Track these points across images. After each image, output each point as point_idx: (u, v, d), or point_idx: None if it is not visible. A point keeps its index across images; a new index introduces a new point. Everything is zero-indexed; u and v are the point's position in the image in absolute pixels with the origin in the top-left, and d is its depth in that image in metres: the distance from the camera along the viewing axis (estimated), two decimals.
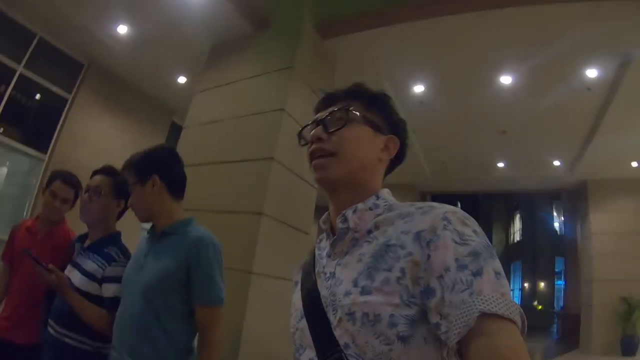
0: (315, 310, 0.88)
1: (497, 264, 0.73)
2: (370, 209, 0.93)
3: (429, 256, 0.75)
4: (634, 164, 9.46)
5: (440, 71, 6.36)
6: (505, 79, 6.34)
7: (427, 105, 7.10)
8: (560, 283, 23.03)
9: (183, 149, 5.10)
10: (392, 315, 0.74)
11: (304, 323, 0.90)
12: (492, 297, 0.67)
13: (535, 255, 26.62)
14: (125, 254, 2.03)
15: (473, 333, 0.66)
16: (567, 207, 13.62)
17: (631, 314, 9.34)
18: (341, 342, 0.79)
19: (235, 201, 4.30)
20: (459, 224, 0.79)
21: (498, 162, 10.27)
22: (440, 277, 0.73)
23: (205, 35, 5.62)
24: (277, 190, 4.31)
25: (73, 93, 7.23)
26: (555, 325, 18.81)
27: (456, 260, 0.73)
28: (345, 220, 0.92)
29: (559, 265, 23.67)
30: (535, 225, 27.16)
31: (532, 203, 26.86)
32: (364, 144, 0.97)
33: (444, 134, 8.42)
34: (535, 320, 21.20)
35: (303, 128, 1.05)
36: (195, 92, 5.72)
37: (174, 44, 6.21)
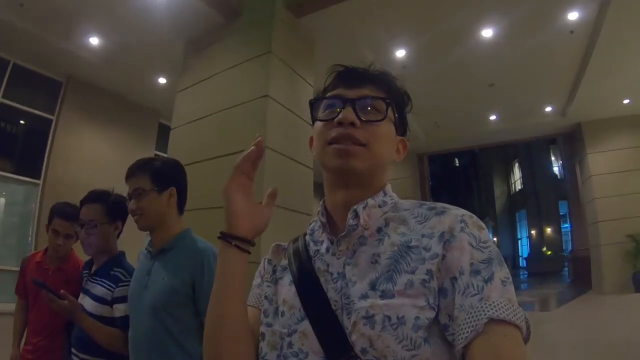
0: (324, 313, 0.82)
1: (506, 272, 0.73)
2: (379, 206, 0.89)
3: (444, 256, 0.75)
4: (626, 101, 9.47)
5: (420, 33, 6.29)
6: (487, 32, 6.32)
7: (411, 69, 7.06)
8: (566, 227, 23.23)
9: (173, 149, 5.08)
10: (417, 318, 0.72)
11: (306, 326, 0.83)
12: (500, 302, 0.68)
13: (539, 201, 26.78)
14: (131, 273, 2.01)
15: (479, 337, 0.66)
16: (564, 151, 13.64)
17: (639, 250, 9.43)
18: (357, 347, 0.75)
19: None
20: (475, 228, 0.78)
21: (490, 115, 10.30)
22: (454, 278, 0.72)
23: (178, 32, 5.57)
24: (272, 176, 4.29)
25: (56, 112, 7.16)
26: (566, 269, 18.99)
27: (471, 264, 0.73)
28: (356, 216, 0.86)
29: (562, 209, 23.88)
30: (535, 173, 27.29)
31: (529, 151, 26.96)
32: (390, 143, 0.91)
33: (432, 95, 8.33)
34: (547, 266, 21.49)
35: (318, 99, 0.94)
36: (177, 91, 5.67)
37: (148, 46, 6.15)
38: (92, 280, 2.04)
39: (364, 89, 0.90)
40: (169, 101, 6.00)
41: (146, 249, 1.87)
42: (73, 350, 1.97)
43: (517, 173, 30.41)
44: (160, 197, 1.81)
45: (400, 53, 6.73)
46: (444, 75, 7.66)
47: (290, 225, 4.44)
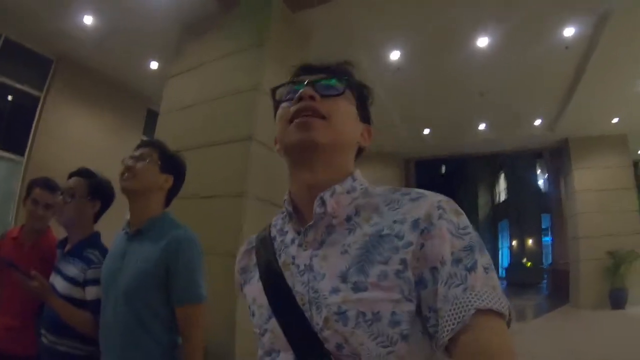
0: (288, 309, 0.79)
1: (487, 259, 0.71)
2: (348, 192, 0.85)
3: (422, 245, 0.72)
4: (614, 120, 9.58)
5: (416, 36, 6.27)
6: (483, 41, 6.30)
7: (404, 72, 7.05)
8: (547, 240, 23.49)
9: (161, 136, 5.00)
10: (393, 313, 0.69)
11: (274, 324, 0.80)
12: (485, 291, 0.66)
13: (521, 213, 27.01)
14: (105, 255, 1.97)
15: (465, 329, 0.64)
16: (550, 165, 13.81)
17: (618, 268, 9.58)
18: (331, 343, 0.72)
19: (218, 185, 4.25)
20: (453, 213, 0.75)
21: (479, 124, 10.30)
22: (434, 268, 0.70)
23: (173, 17, 5.49)
24: (258, 169, 4.27)
25: (45, 90, 7.05)
26: (544, 282, 19.23)
27: (452, 253, 0.70)
28: (322, 204, 0.81)
29: (545, 223, 24.10)
30: (520, 184, 27.52)
31: (515, 163, 27.19)
32: (352, 121, 0.90)
33: (423, 99, 8.37)
34: (526, 277, 21.72)
35: (280, 86, 0.95)
36: (168, 77, 5.61)
37: (142, 30, 6.06)
38: (65, 260, 2.01)
39: (323, 74, 0.91)
40: (159, 87, 5.90)
41: (123, 229, 1.83)
42: (42, 330, 1.93)
43: (502, 184, 30.68)
44: (159, 175, 1.82)
45: (395, 55, 6.71)
46: (436, 80, 7.66)
47: (269, 218, 4.41)
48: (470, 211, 33.02)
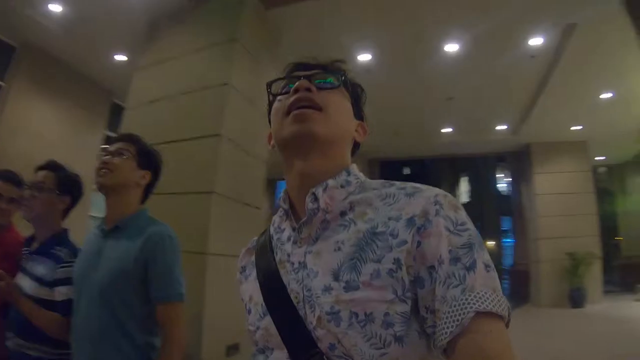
0: (283, 307, 0.77)
1: (487, 256, 0.70)
2: (342, 186, 0.83)
3: (419, 243, 0.70)
4: (575, 127, 9.93)
5: (386, 40, 6.31)
6: (452, 47, 6.40)
7: (374, 74, 7.08)
8: (506, 241, 24.06)
9: (126, 131, 4.86)
10: (386, 314, 0.67)
11: (268, 321, 0.79)
12: (485, 293, 0.64)
13: (483, 215, 27.58)
14: (75, 253, 1.88)
15: (463, 332, 0.63)
16: (512, 169, 14.16)
17: (577, 268, 9.94)
18: (324, 343, 0.71)
19: (185, 182, 4.16)
20: (451, 209, 0.73)
21: (445, 128, 10.49)
22: (432, 267, 0.68)
23: (143, 9, 5.36)
24: (226, 167, 4.23)
25: (6, 79, 6.75)
26: (505, 282, 19.68)
27: (450, 251, 0.68)
28: (315, 199, 0.80)
29: (505, 225, 24.70)
30: (482, 187, 28.12)
31: (478, 166, 27.74)
32: (347, 115, 0.90)
33: (391, 102, 8.39)
34: None
35: (275, 80, 0.94)
36: (135, 70, 5.47)
37: (110, 21, 5.86)
38: (32, 259, 1.89)
39: (318, 69, 0.92)
40: (126, 80, 5.74)
41: (97, 227, 1.76)
42: (8, 334, 1.81)
43: (464, 186, 31.25)
44: (136, 171, 1.78)
45: (366, 57, 6.75)
46: (405, 83, 7.74)
47: (240, 217, 4.39)
48: None
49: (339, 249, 0.75)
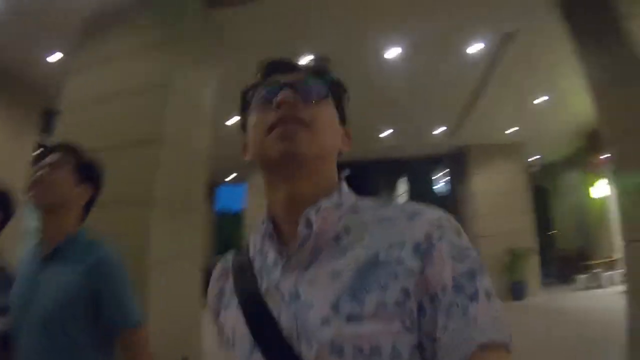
0: (274, 342, 0.69)
1: (488, 281, 0.67)
2: (336, 206, 0.76)
3: (422, 269, 0.66)
4: (511, 130, 10.42)
5: (329, 43, 6.29)
6: (395, 50, 6.52)
7: None
8: None
9: (60, 137, 4.55)
10: (394, 347, 0.63)
11: (259, 358, 0.71)
12: (487, 323, 0.62)
13: None
14: (11, 279, 1.66)
15: None
16: (451, 170, 14.64)
17: (516, 263, 10.49)
18: None
19: (123, 189, 3.75)
20: (454, 234, 0.70)
21: (385, 130, 10.68)
22: (435, 295, 0.64)
23: (81, 6, 5.03)
24: (165, 172, 4.01)
25: None
26: None
27: (453, 278, 0.65)
28: (309, 224, 0.73)
29: None
30: (420, 188, 28.84)
31: (416, 167, 28.45)
32: (335, 127, 0.83)
33: None
34: None
35: (251, 87, 0.85)
36: (70, 71, 5.12)
37: (46, 17, 5.46)
38: None
39: (300, 73, 0.83)
40: (59, 82, 5.35)
41: (33, 250, 1.58)
42: None
43: (404, 187, 31.98)
44: (75, 186, 1.58)
45: (309, 59, 6.71)
46: (347, 84, 7.74)
47: (182, 224, 4.19)
48: None
49: (337, 277, 0.69)
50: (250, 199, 12.59)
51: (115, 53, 4.71)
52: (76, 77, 4.97)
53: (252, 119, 0.80)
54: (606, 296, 9.17)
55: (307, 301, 0.69)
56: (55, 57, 6.54)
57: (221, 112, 5.42)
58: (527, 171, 12.36)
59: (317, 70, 0.85)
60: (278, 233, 0.78)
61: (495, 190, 11.17)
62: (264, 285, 0.76)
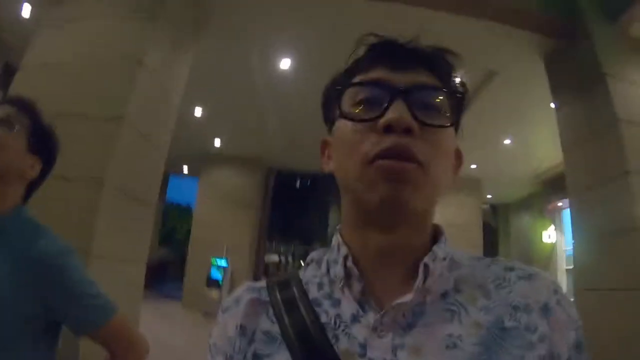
0: None
1: (587, 357, 0.59)
2: (444, 258, 0.61)
3: (550, 334, 0.56)
4: (472, 166, 10.62)
5: (308, 45, 6.22)
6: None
7: (290, 81, 7.00)
8: None
9: (15, 94, 4.20)
10: None
11: None
12: None
13: None
14: None
15: None
16: None
17: None
18: None
19: (71, 164, 3.46)
20: (568, 302, 0.59)
21: None
22: None
23: None
24: (122, 154, 3.69)
25: None
26: None
27: (568, 349, 0.56)
28: (427, 274, 0.58)
29: None
30: None
31: None
32: (450, 159, 0.65)
33: (298, 111, 8.21)
34: None
35: (354, 84, 0.63)
36: (39, 26, 4.69)
37: None
38: None
39: (418, 74, 0.61)
40: (27, 37, 4.91)
41: None
42: None
43: None
44: (26, 155, 1.27)
45: (286, 63, 6.63)
46: (314, 94, 7.65)
47: (133, 215, 3.91)
48: (321, 229, 33.94)
49: (455, 346, 0.54)
50: (201, 194, 12.24)
51: (90, 15, 4.32)
52: (44, 33, 4.56)
53: (346, 130, 0.61)
54: None
55: None
56: (26, 11, 6.09)
57: (186, 101, 5.17)
58: (481, 208, 12.60)
59: (445, 72, 0.65)
60: (366, 283, 0.60)
61: (451, 221, 11.27)
62: (340, 344, 0.56)
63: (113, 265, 3.51)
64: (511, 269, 0.62)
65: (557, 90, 5.14)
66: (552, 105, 5.44)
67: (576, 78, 4.80)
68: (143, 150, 4.06)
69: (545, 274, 0.62)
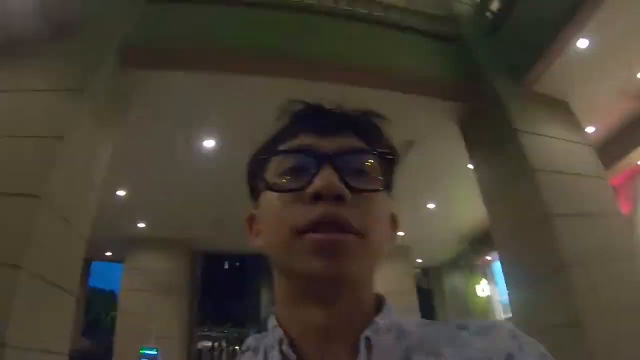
0: None
1: None
2: (389, 329, 0.56)
3: None
4: (401, 234, 10.82)
5: (231, 127, 6.28)
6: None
7: (215, 160, 6.93)
8: None
9: None
10: None
11: None
12: None
13: None
14: None
15: None
16: None
17: None
18: None
19: None
20: (530, 343, 0.55)
21: None
22: None
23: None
24: (40, 236, 3.44)
25: None
26: None
27: None
28: (369, 349, 0.53)
29: None
30: None
31: None
32: (387, 224, 0.62)
33: (224, 191, 8.08)
34: None
35: (279, 152, 0.60)
36: None
37: None
38: None
39: (346, 138, 0.59)
40: None
41: None
42: None
43: None
44: None
45: (209, 143, 6.66)
46: (237, 175, 7.62)
47: (51, 302, 3.61)
48: (253, 309, 32.77)
49: None
50: (126, 280, 11.54)
51: (13, 86, 4.18)
52: None
53: (272, 201, 0.57)
54: None
55: None
56: None
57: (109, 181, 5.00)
58: (412, 273, 12.76)
59: (373, 135, 0.62)
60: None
61: (385, 289, 11.23)
62: None
63: (31, 358, 3.20)
64: (464, 327, 0.57)
65: (473, 149, 5.49)
66: (470, 165, 5.76)
67: (490, 136, 5.18)
68: (63, 232, 3.78)
69: (500, 323, 0.58)
